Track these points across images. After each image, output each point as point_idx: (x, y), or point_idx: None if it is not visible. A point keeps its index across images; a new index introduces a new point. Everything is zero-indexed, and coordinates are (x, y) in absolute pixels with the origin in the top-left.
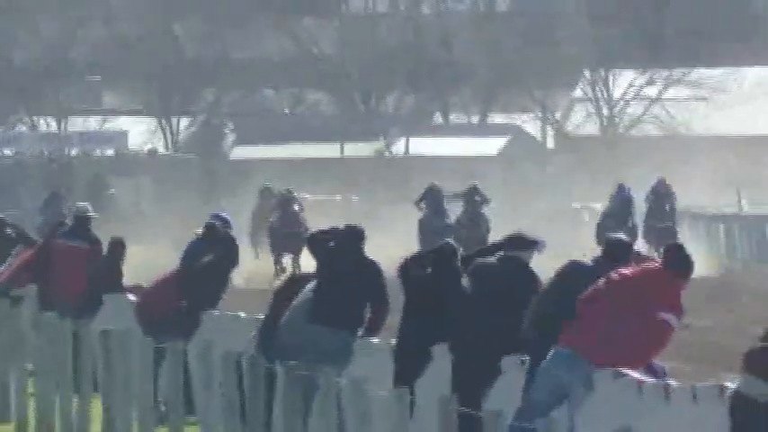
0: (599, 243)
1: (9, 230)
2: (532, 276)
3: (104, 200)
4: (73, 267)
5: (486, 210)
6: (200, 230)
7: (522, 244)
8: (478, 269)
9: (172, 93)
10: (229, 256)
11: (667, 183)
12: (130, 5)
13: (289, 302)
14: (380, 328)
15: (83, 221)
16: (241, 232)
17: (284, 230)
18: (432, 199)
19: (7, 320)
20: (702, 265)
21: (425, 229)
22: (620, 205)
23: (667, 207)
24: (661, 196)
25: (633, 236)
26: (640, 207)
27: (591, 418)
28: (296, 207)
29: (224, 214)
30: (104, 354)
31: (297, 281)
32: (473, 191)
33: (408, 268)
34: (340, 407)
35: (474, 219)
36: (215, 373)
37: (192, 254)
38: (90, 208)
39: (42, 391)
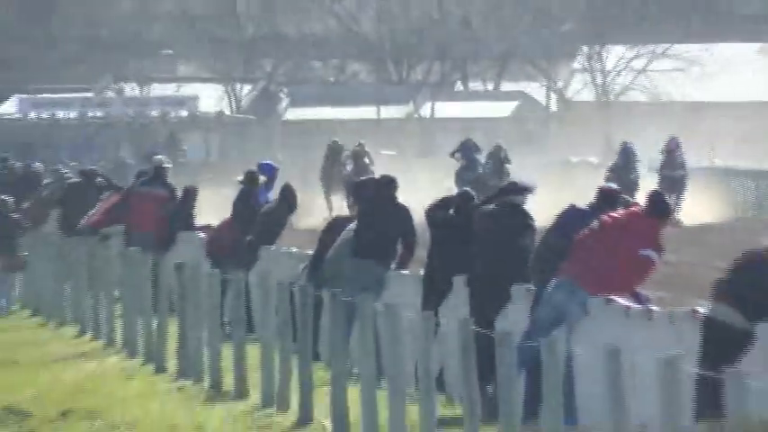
0: None
1: (99, 179)
2: (526, 216)
3: (178, 154)
4: (152, 210)
5: (508, 166)
6: (240, 177)
7: (516, 190)
8: (482, 213)
9: (235, 63)
10: (288, 202)
11: (678, 139)
12: None
13: (333, 240)
14: (410, 261)
15: (160, 171)
16: (293, 179)
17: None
18: (465, 152)
19: (98, 255)
20: (707, 213)
21: (459, 179)
22: (625, 159)
23: (679, 159)
24: (672, 151)
25: (635, 185)
26: (652, 161)
27: (585, 337)
28: (366, 160)
29: (270, 161)
30: (179, 282)
31: (340, 222)
32: (498, 149)
33: (434, 211)
34: (376, 328)
35: (497, 172)
36: (271, 299)
37: (242, 198)
38: (166, 160)
39: (127, 314)
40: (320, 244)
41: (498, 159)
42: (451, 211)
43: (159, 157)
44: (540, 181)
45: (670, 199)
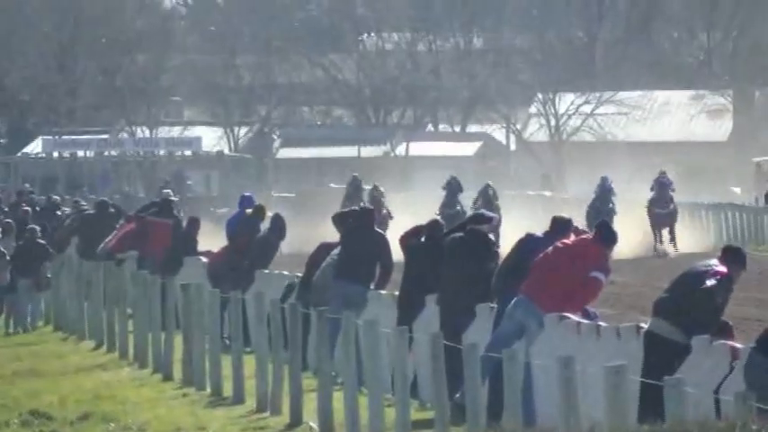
0: (588, 223)
1: (112, 209)
2: (489, 242)
3: (185, 188)
4: (161, 237)
5: (497, 202)
6: (250, 210)
7: (481, 220)
8: (451, 240)
9: (234, 108)
10: (278, 231)
11: (668, 175)
12: (201, 44)
13: (319, 264)
14: (387, 282)
15: (168, 203)
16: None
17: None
18: (449, 190)
19: (113, 276)
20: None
21: (441, 214)
22: (602, 193)
23: (669, 196)
24: (664, 186)
25: (611, 216)
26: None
27: (542, 349)
28: (384, 211)
29: (249, 194)
30: (184, 301)
31: (325, 248)
32: (487, 187)
33: (407, 238)
34: (357, 341)
35: (487, 208)
36: (266, 316)
37: (237, 226)
38: (172, 193)
39: (138, 329)
40: (307, 267)
41: (487, 196)
42: (423, 239)
43: (167, 190)
44: (508, 213)
45: (661, 233)
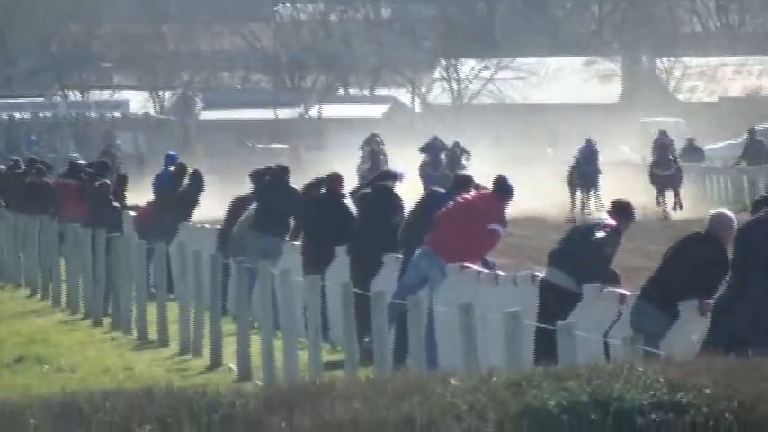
0: (570, 181)
1: (39, 166)
2: (395, 197)
3: (113, 148)
4: (67, 198)
5: (464, 159)
6: (172, 168)
7: (388, 176)
8: (360, 195)
9: (160, 74)
10: (197, 186)
11: (668, 135)
12: (132, 12)
13: (235, 217)
14: (300, 234)
15: (75, 166)
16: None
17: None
18: (431, 150)
19: (47, 229)
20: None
21: (423, 174)
22: (588, 155)
23: (670, 157)
24: (664, 148)
25: (596, 178)
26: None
27: (444, 297)
28: (381, 156)
29: (174, 153)
30: (112, 252)
31: (240, 201)
32: (456, 145)
33: (309, 191)
34: (273, 289)
35: (455, 165)
36: (188, 265)
37: (162, 182)
38: (80, 156)
39: (70, 278)
40: (226, 220)
41: (455, 154)
42: (324, 191)
43: (74, 155)
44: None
45: (663, 196)
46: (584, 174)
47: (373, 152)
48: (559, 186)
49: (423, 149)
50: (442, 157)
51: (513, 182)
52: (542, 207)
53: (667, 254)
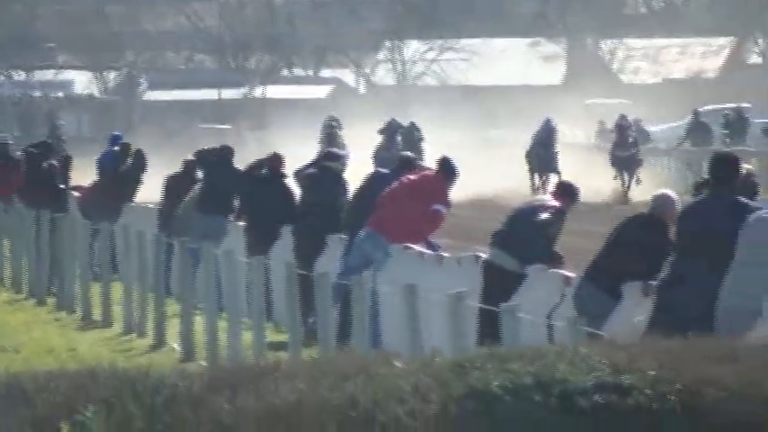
0: (529, 163)
1: None
2: (339, 178)
3: (56, 127)
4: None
5: (422, 143)
6: (116, 148)
7: (332, 157)
8: (303, 176)
9: (104, 54)
10: (140, 166)
11: (628, 117)
12: None
13: (173, 196)
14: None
15: (3, 147)
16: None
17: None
18: (388, 132)
19: None
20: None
21: (377, 157)
22: (546, 134)
23: (630, 139)
24: (624, 129)
25: (556, 160)
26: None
27: (388, 277)
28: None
29: (118, 133)
30: (56, 232)
31: (175, 179)
32: (411, 127)
33: (251, 170)
34: (217, 269)
35: (411, 149)
36: (132, 246)
37: (106, 162)
38: (8, 138)
39: (14, 258)
40: (162, 200)
41: (412, 135)
42: (264, 171)
43: (3, 135)
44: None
45: (623, 177)
46: (541, 157)
47: (331, 136)
48: (515, 169)
49: (381, 131)
50: (398, 138)
51: (461, 164)
52: (494, 190)
53: (611, 235)
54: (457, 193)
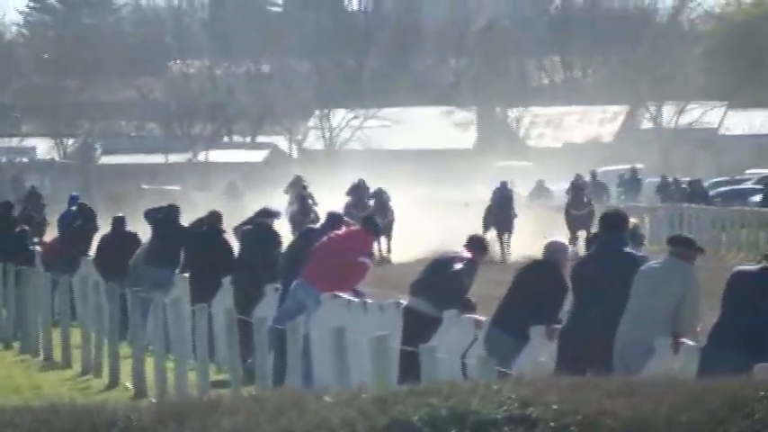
0: (484, 221)
1: None
2: (274, 233)
3: (22, 189)
4: None
5: (389, 203)
6: (74, 208)
7: (268, 214)
8: (241, 231)
9: (63, 122)
10: (88, 219)
11: (583, 178)
12: (39, 66)
13: (104, 251)
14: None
15: None
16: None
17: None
18: (355, 192)
19: None
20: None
21: (348, 215)
22: (501, 197)
23: (585, 199)
24: (579, 189)
25: (512, 222)
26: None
27: (319, 323)
28: (310, 201)
29: (75, 193)
30: (20, 283)
31: (108, 239)
32: (381, 191)
33: (192, 227)
34: (165, 316)
35: (381, 209)
36: (90, 295)
37: (65, 220)
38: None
39: None
40: (95, 255)
41: (382, 199)
42: (205, 228)
43: None
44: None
45: (576, 235)
46: (498, 218)
47: (300, 195)
48: (462, 225)
49: (348, 192)
50: (369, 201)
51: (415, 221)
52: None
53: (512, 282)
54: (413, 251)
